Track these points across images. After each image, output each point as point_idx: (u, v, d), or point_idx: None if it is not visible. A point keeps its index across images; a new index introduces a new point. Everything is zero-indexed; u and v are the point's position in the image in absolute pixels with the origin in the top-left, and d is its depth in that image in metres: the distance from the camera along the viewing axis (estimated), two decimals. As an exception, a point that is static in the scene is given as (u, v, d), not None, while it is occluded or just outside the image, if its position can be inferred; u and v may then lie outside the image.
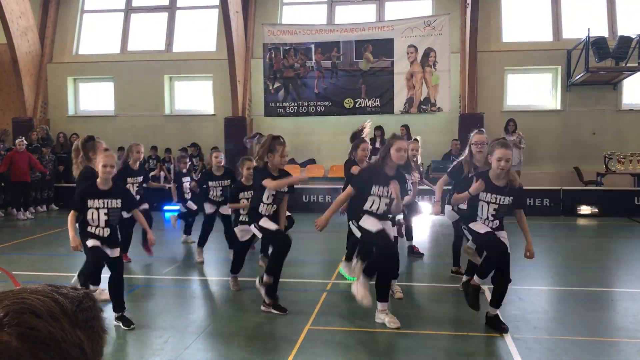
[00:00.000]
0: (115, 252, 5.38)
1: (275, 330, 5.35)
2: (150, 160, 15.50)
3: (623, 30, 14.49)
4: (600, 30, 14.48)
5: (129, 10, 16.95)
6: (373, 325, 5.41)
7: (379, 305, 5.41)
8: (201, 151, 15.36)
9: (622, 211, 12.67)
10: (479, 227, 5.22)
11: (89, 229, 5.28)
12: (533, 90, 15.55)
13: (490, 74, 15.24)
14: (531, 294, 6.60)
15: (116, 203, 5.34)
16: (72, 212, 5.37)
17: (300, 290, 6.75)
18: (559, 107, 15.19)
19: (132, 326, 5.35)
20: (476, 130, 6.33)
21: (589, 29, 13.31)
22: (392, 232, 5.42)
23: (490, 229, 5.20)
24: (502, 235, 5.23)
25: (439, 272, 7.76)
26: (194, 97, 16.76)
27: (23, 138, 13.33)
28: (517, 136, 13.91)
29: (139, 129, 16.11)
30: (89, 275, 5.62)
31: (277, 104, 15.38)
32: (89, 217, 5.26)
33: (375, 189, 5.21)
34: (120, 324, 5.36)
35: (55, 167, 14.52)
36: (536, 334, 5.21)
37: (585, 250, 9.43)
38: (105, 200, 5.28)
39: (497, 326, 5.20)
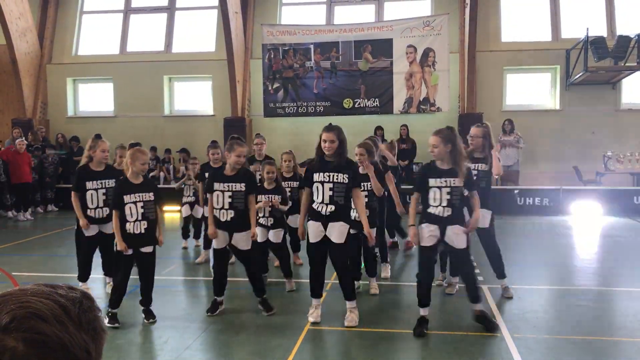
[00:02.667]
0: (147, 249, 5.53)
1: (275, 330, 5.35)
2: (150, 161, 15.50)
3: (622, 29, 14.49)
4: (599, 29, 14.49)
5: (128, 11, 16.95)
6: (373, 324, 5.42)
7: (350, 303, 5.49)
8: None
9: (622, 210, 12.67)
10: (425, 237, 5.24)
11: (127, 226, 5.41)
12: (532, 90, 15.56)
13: (490, 74, 15.24)
14: (531, 293, 6.61)
15: (149, 196, 5.49)
16: (114, 212, 5.48)
17: (300, 290, 6.75)
18: (558, 107, 15.20)
19: (151, 320, 5.56)
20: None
21: (587, 29, 13.32)
22: (340, 233, 5.32)
23: (433, 244, 5.24)
24: (454, 230, 5.18)
25: (438, 272, 7.76)
26: (194, 97, 16.75)
27: (23, 138, 13.31)
28: (515, 136, 13.92)
29: (139, 130, 16.10)
30: (119, 288, 5.60)
31: (277, 105, 15.38)
32: (126, 212, 5.41)
33: (316, 176, 5.31)
34: (143, 317, 5.60)
35: (57, 168, 14.49)
36: (536, 333, 5.22)
37: (585, 249, 9.43)
38: (140, 194, 5.47)
39: (486, 323, 5.27)
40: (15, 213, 13.05)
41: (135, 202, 5.44)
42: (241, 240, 5.63)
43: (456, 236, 5.17)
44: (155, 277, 7.36)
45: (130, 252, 5.47)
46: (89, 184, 6.26)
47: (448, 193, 5.13)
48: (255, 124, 15.99)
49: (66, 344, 0.74)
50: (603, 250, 9.47)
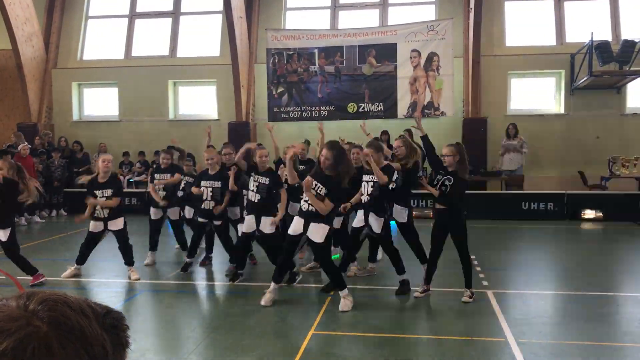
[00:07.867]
0: (217, 222, 7.54)
1: (280, 335, 5.35)
2: (155, 165, 15.53)
3: (626, 34, 14.47)
4: (604, 34, 14.46)
5: (133, 15, 17.03)
6: (378, 330, 5.41)
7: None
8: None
9: (627, 215, 12.61)
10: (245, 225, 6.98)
11: (203, 204, 7.49)
12: (536, 95, 15.54)
13: (494, 78, 15.23)
14: (536, 298, 6.60)
15: (217, 184, 7.45)
16: (194, 189, 7.72)
17: (303, 294, 6.75)
18: (562, 111, 15.18)
19: (230, 281, 7.14)
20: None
21: (592, 33, 13.30)
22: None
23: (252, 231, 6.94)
24: (266, 220, 6.78)
25: (441, 277, 7.74)
26: (198, 102, 16.81)
27: (26, 143, 13.33)
28: (519, 141, 13.90)
29: (143, 134, 16.17)
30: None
31: (281, 109, 15.40)
32: (203, 194, 7.48)
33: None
34: (231, 274, 7.32)
35: (64, 172, 14.51)
36: (541, 338, 5.20)
37: (590, 254, 9.40)
38: (211, 182, 7.48)
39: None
40: (29, 217, 13.10)
41: (206, 187, 7.47)
42: (265, 225, 6.92)
43: (265, 225, 6.79)
44: (161, 282, 7.45)
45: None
46: None
47: (257, 186, 6.81)
48: (259, 128, 16.02)
49: (86, 333, 0.78)
50: (608, 255, 9.43)
